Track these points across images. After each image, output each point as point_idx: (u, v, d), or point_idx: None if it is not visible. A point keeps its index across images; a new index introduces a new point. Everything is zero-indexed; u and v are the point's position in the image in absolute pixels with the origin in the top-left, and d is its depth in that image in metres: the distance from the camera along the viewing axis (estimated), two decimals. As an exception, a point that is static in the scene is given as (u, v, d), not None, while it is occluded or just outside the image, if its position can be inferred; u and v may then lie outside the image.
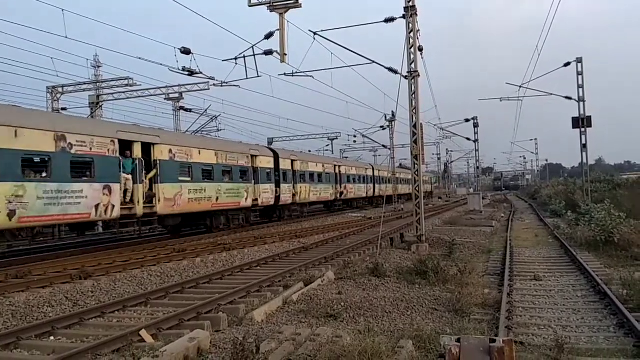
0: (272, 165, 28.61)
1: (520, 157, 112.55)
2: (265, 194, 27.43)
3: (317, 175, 35.81)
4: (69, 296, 11.31)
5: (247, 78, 20.73)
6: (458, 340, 4.80)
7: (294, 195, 31.31)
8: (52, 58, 24.52)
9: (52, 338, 8.18)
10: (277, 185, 28.99)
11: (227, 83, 23.97)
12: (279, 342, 7.12)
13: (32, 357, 7.08)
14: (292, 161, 31.81)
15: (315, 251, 17.95)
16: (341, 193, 40.54)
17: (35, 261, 15.46)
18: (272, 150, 30.71)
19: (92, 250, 17.91)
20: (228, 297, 10.28)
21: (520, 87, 30.71)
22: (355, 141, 62.97)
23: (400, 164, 60.90)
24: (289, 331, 7.75)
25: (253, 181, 26.06)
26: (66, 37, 20.16)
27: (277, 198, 28.99)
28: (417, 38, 18.24)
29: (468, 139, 49.52)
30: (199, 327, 8.04)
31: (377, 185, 49.68)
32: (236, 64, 19.79)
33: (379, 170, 52.43)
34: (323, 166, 37.39)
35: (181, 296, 11.18)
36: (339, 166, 40.88)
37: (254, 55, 19.28)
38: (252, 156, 26.41)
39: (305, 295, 10.62)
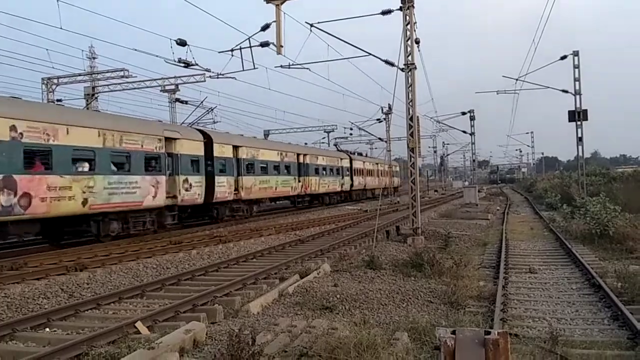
0: (201, 152, 22.56)
1: (516, 150, 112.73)
2: (190, 189, 21.34)
3: (274, 165, 29.95)
4: (64, 288, 11.30)
5: (243, 70, 20.69)
6: (453, 332, 4.79)
7: (236, 190, 25.44)
8: (47, 49, 24.38)
9: (47, 330, 8.18)
10: (212, 177, 23.35)
11: (223, 75, 23.88)
12: (275, 334, 7.13)
13: (27, 349, 7.06)
14: (235, 147, 25.84)
15: (311, 243, 17.97)
16: (307, 187, 35.15)
17: (30, 253, 15.43)
18: (203, 132, 24.14)
19: (87, 243, 17.85)
20: (224, 289, 10.28)
21: (517, 80, 30.72)
22: (351, 134, 62.94)
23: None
24: (284, 323, 7.77)
25: (168, 172, 20.21)
26: (61, 28, 20.04)
27: (211, 194, 23.09)
28: (414, 30, 18.21)
29: (464, 132, 49.51)
30: (195, 319, 8.05)
31: (356, 178, 45.83)
32: (232, 55, 19.72)
33: (363, 162, 48.87)
34: (281, 155, 31.27)
35: (177, 288, 11.19)
36: (304, 155, 34.96)
37: (250, 47, 19.20)
38: (168, 139, 20.38)
39: (301, 287, 10.64)
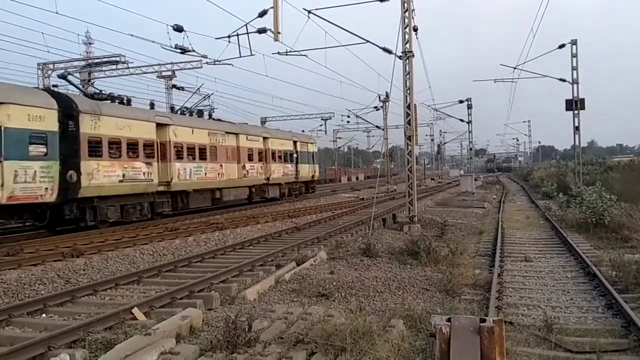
0: (53, 127, 15.95)
1: (513, 139, 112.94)
2: (27, 181, 14.89)
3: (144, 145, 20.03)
4: (60, 274, 11.31)
5: (240, 56, 20.62)
6: (448, 320, 4.83)
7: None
8: (42, 34, 24.21)
9: (44, 315, 8.19)
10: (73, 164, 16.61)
11: (220, 61, 23.78)
12: (271, 321, 7.16)
13: (24, 334, 7.08)
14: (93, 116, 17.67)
15: (308, 231, 18.00)
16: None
17: (27, 239, 15.42)
18: (53, 95, 17.07)
19: (84, 229, 17.84)
20: (220, 276, 10.30)
21: (515, 68, 30.59)
22: (348, 121, 62.83)
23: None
24: (281, 310, 7.79)
25: None
26: (57, 13, 19.89)
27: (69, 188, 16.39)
28: (412, 18, 18.10)
29: (462, 120, 49.50)
30: (192, 306, 8.07)
31: (301, 166, 35.19)
32: (229, 42, 19.66)
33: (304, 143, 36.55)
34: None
35: (173, 275, 11.21)
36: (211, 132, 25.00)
37: (248, 33, 19.14)
38: None
39: (297, 274, 10.67)
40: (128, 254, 13.61)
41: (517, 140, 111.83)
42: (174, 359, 5.73)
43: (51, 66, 32.36)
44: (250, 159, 28.60)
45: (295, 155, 34.44)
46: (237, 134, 27.54)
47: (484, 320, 4.80)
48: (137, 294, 9.51)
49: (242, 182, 27.64)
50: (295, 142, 35.02)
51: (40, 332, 7.08)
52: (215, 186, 25.12)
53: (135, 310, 7.79)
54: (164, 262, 12.49)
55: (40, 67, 32.10)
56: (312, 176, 37.78)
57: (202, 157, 23.93)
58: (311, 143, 38.47)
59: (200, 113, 26.92)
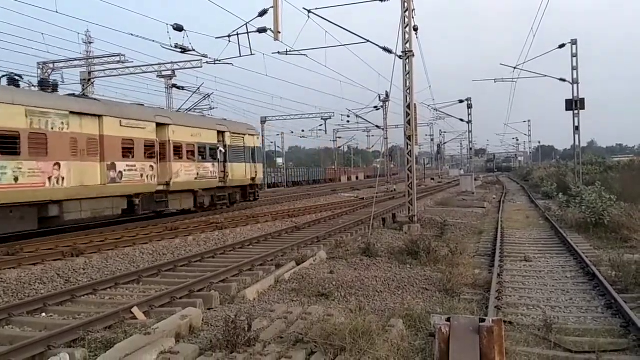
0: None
1: (513, 138, 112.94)
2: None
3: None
4: (60, 273, 11.32)
5: (240, 56, 20.56)
6: (448, 320, 4.83)
7: None
8: (42, 33, 24.20)
9: (43, 315, 8.20)
10: None
11: (220, 61, 23.75)
12: (271, 320, 7.16)
13: (23, 334, 7.08)
14: None
15: (308, 231, 18.00)
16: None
17: (26, 238, 15.42)
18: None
19: (83, 228, 17.86)
20: (220, 276, 10.30)
21: (515, 68, 30.61)
22: (348, 121, 62.83)
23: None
24: (280, 309, 7.79)
25: None
26: (57, 12, 19.89)
27: None
28: (412, 17, 18.10)
29: (462, 120, 49.47)
30: (191, 305, 8.07)
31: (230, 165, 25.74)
32: (229, 41, 19.62)
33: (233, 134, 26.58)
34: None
35: (173, 274, 11.21)
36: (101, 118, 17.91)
37: (248, 32, 19.11)
38: None
39: (297, 274, 10.67)
40: (128, 254, 13.62)
41: (517, 140, 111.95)
42: (173, 359, 5.73)
43: (51, 65, 32.33)
44: (127, 154, 18.97)
45: (221, 150, 24.90)
46: (99, 117, 17.86)
47: (483, 320, 4.81)
48: (137, 294, 9.52)
49: (108, 191, 18.02)
50: (221, 133, 25.20)
51: (40, 332, 7.08)
52: (45, 197, 15.51)
53: (135, 310, 7.80)
54: (164, 261, 12.49)
55: (40, 66, 32.07)
56: (253, 179, 27.89)
57: (9, 151, 14.55)
58: (250, 135, 28.13)
59: (12, 81, 17.69)
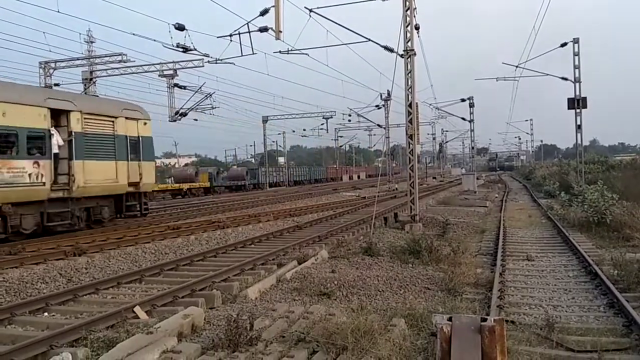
0: None
1: (515, 137, 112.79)
2: None
3: None
4: (62, 273, 11.34)
5: (242, 55, 20.62)
6: (450, 319, 4.83)
7: None
8: (44, 32, 24.24)
9: (46, 314, 8.20)
10: None
11: (221, 60, 23.80)
12: (273, 319, 7.17)
13: (26, 333, 7.10)
14: None
15: (309, 230, 18.00)
16: None
17: (28, 237, 15.44)
18: None
19: (85, 227, 17.86)
20: (222, 275, 10.30)
21: (517, 67, 30.53)
22: (350, 120, 62.82)
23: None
24: (282, 309, 7.80)
25: None
26: (58, 12, 19.92)
27: None
28: (414, 16, 18.10)
29: (463, 119, 49.46)
30: (193, 304, 8.06)
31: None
32: (231, 40, 19.66)
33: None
34: None
35: (175, 273, 11.22)
36: None
37: (249, 32, 19.13)
38: None
39: (298, 273, 10.67)
40: (130, 253, 13.63)
41: (519, 138, 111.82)
42: (175, 358, 5.73)
43: (53, 65, 32.38)
44: None
45: (58, 140, 16.23)
46: None
47: (485, 320, 4.80)
48: (139, 293, 9.53)
49: None
50: (62, 113, 16.51)
51: (42, 331, 7.09)
52: None
53: (137, 309, 7.81)
54: (166, 260, 12.50)
55: (42, 65, 32.13)
56: (135, 184, 19.05)
57: None
58: (129, 119, 19.00)
59: None
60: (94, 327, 6.94)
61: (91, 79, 32.46)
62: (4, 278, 10.52)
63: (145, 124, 19.80)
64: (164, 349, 5.89)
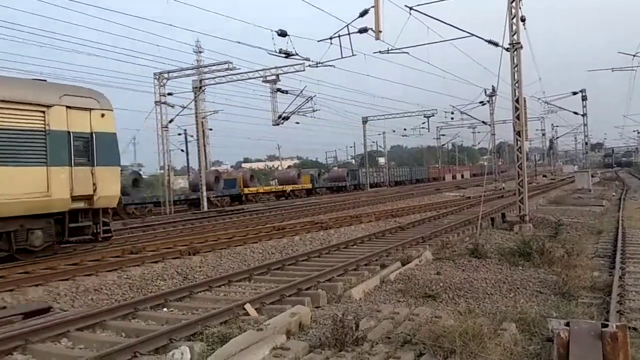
0: None
1: (634, 131, 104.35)
2: None
3: None
4: (179, 271, 12.05)
5: (342, 57, 20.80)
6: (567, 324, 4.60)
7: None
8: (157, 45, 25.90)
9: (165, 309, 8.72)
10: None
11: (322, 63, 24.17)
12: (378, 320, 7.17)
13: (148, 327, 7.61)
14: None
15: (412, 231, 17.80)
16: None
17: (147, 237, 16.57)
18: None
19: (198, 227, 18.87)
20: (326, 275, 10.45)
21: (635, 56, 28.36)
22: (452, 118, 61.27)
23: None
24: (387, 310, 7.79)
25: None
26: (170, 25, 21.16)
27: None
28: (520, 8, 17.36)
29: (575, 113, 46.60)
30: (300, 303, 8.25)
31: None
32: (331, 43, 19.91)
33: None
34: None
35: (282, 272, 11.53)
36: None
37: (349, 34, 19.28)
38: None
39: (402, 274, 10.60)
40: (239, 252, 14.21)
41: (638, 133, 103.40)
42: (285, 355, 5.91)
43: (166, 75, 34.48)
44: None
45: None
46: None
47: (605, 325, 4.53)
48: (249, 291, 9.89)
49: None
50: None
51: (162, 325, 7.55)
52: None
53: (248, 306, 8.11)
54: (273, 260, 12.90)
55: (157, 76, 34.31)
56: (87, 198, 13.44)
57: None
58: (77, 109, 13.36)
59: None
60: (209, 323, 7.29)
61: (200, 87, 34.19)
62: (127, 275, 11.37)
63: (103, 115, 13.96)
64: (273, 346, 6.09)
